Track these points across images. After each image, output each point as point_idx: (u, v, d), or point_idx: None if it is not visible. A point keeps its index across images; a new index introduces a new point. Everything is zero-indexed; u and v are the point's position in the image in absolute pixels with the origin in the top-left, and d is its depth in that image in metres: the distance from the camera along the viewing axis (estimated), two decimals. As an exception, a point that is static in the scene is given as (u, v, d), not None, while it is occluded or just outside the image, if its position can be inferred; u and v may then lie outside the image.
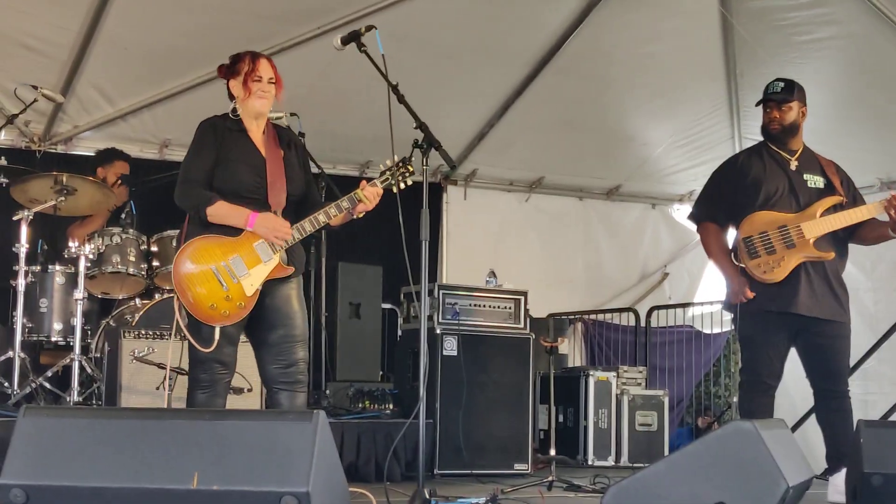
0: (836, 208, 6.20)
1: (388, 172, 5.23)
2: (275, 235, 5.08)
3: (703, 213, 6.50)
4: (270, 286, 5.19)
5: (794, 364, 6.38)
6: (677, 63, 9.37)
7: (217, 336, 5.03)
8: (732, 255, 6.24)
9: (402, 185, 5.24)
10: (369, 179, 5.29)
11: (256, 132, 5.31)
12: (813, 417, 6.59)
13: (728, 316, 9.41)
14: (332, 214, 5.17)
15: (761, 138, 6.51)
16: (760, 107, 6.44)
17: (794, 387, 7.31)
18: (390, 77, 5.19)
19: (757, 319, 6.16)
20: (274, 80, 5.28)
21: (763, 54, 8.90)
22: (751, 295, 6.09)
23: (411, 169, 5.23)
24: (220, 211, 5.11)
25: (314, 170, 5.91)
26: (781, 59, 8.75)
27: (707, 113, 10.04)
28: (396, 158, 5.22)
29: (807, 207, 6.18)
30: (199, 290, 5.06)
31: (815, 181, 6.30)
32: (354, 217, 5.27)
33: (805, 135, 6.49)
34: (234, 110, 5.30)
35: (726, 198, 6.37)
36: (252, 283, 5.09)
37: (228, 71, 5.33)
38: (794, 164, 6.32)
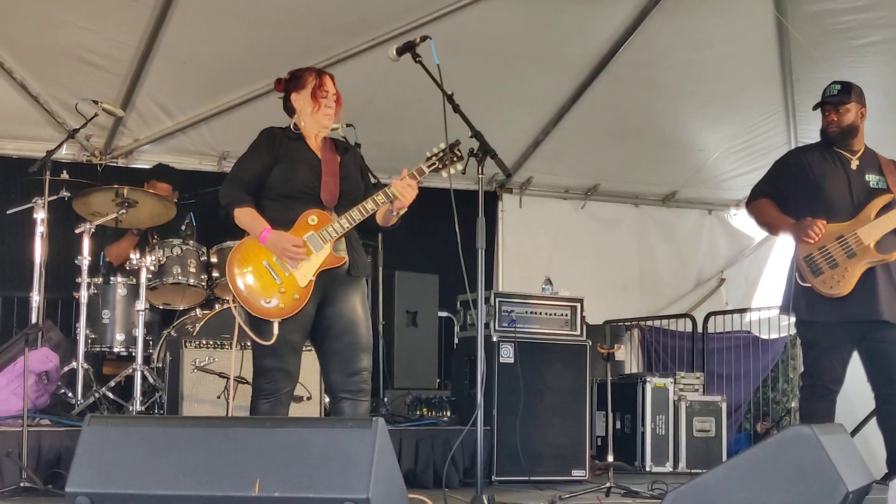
0: (889, 207, 6.16)
1: (434, 157, 5.24)
2: (285, 254, 5.12)
3: (757, 192, 6.50)
4: (335, 293, 5.25)
5: (853, 367, 6.35)
6: (733, 68, 9.34)
7: (276, 331, 5.09)
8: (797, 275, 6.19)
9: (452, 171, 5.23)
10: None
11: (314, 141, 5.39)
12: (873, 421, 6.55)
13: (785, 321, 9.37)
14: (379, 202, 5.19)
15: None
16: (819, 110, 6.42)
17: (854, 391, 7.26)
18: (445, 86, 5.22)
19: (821, 328, 6.14)
20: (336, 97, 5.38)
21: (819, 58, 8.86)
22: (819, 231, 6.07)
23: (459, 153, 5.22)
24: (244, 217, 5.22)
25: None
26: (837, 63, 8.71)
27: (763, 118, 10.01)
28: (443, 145, 5.23)
29: (861, 209, 6.15)
30: (253, 286, 5.13)
31: (876, 181, 6.28)
32: (394, 214, 5.29)
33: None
34: (294, 124, 5.39)
35: (785, 186, 6.35)
36: (305, 274, 5.14)
37: (290, 85, 5.42)
38: (854, 164, 6.30)
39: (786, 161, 6.53)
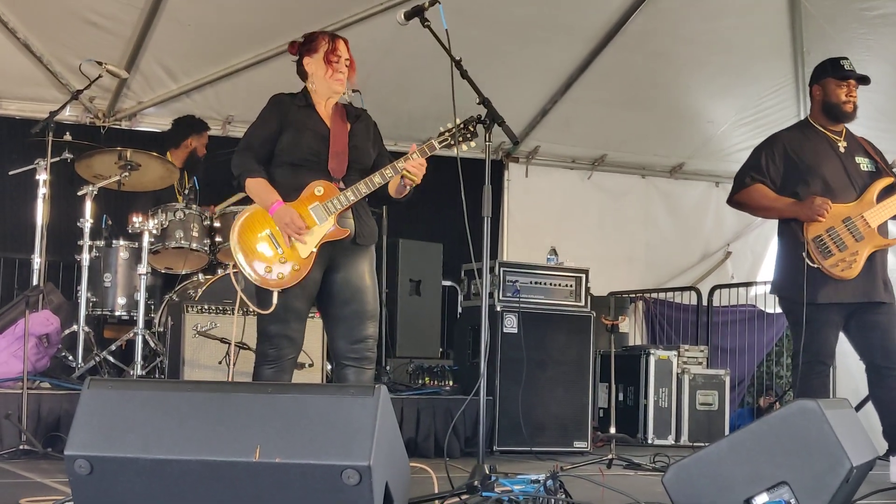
0: (887, 190, 6.11)
1: (447, 133, 5.15)
2: (288, 230, 5.08)
3: (748, 179, 6.31)
4: (342, 260, 5.21)
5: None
6: (743, 40, 9.29)
7: (276, 300, 5.06)
8: (805, 256, 6.11)
9: (465, 147, 5.17)
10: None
11: (324, 108, 5.33)
12: (876, 397, 6.51)
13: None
14: (387, 175, 5.14)
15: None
16: (822, 82, 6.30)
17: (857, 368, 7.23)
18: (454, 52, 5.16)
19: (819, 307, 6.09)
20: (349, 62, 5.32)
21: (830, 31, 8.79)
22: (828, 209, 5.98)
23: (474, 130, 5.14)
24: (255, 187, 5.17)
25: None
26: (849, 36, 8.65)
27: (773, 90, 9.96)
28: (459, 120, 5.14)
29: (862, 192, 6.10)
30: (254, 255, 5.11)
31: (867, 164, 6.21)
32: (406, 187, 5.24)
33: (870, 111, 6.38)
34: (305, 89, 5.34)
35: (775, 171, 6.25)
36: (307, 245, 5.10)
37: (303, 48, 5.36)
38: (842, 146, 6.22)
39: (772, 147, 6.35)
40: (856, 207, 6.07)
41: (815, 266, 6.05)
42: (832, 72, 6.25)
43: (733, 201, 6.46)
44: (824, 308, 6.07)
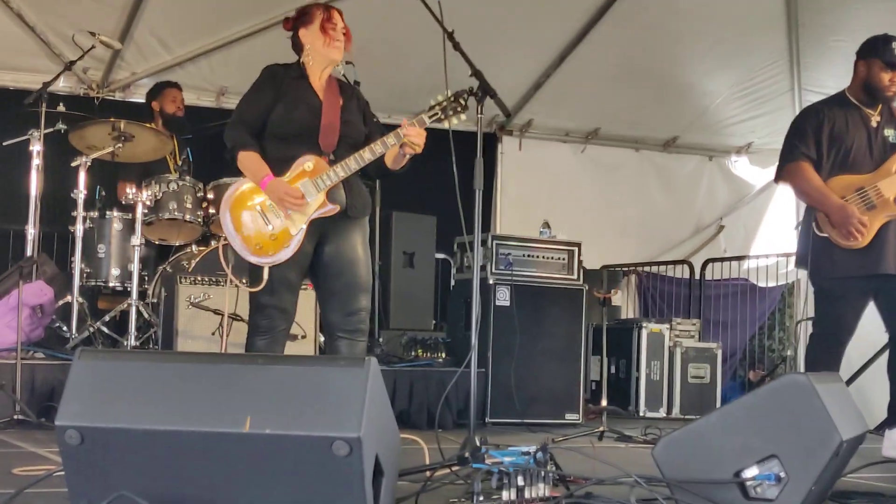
0: None
1: (437, 107, 5.13)
2: (283, 203, 5.06)
3: (798, 153, 6.12)
4: (335, 233, 5.20)
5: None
6: (738, 13, 9.25)
7: (266, 276, 5.06)
8: (814, 225, 6.06)
9: (455, 121, 5.13)
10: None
11: (318, 80, 5.31)
12: (868, 371, 6.52)
13: (783, 269, 9.30)
14: (377, 151, 5.10)
15: (822, 90, 6.36)
16: (869, 61, 6.20)
17: (850, 342, 7.24)
18: (447, 24, 5.15)
19: (837, 279, 6.04)
20: (345, 31, 5.30)
21: (825, 3, 8.76)
22: (863, 233, 5.92)
23: (464, 103, 5.10)
24: (248, 161, 5.14)
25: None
26: (843, 9, 8.62)
27: (767, 64, 9.93)
28: (450, 93, 5.12)
29: (881, 163, 6.05)
30: (245, 230, 5.10)
31: (893, 136, 6.15)
32: (404, 156, 5.22)
33: (868, 85, 6.33)
34: (300, 61, 5.31)
35: (817, 145, 6.18)
36: (297, 221, 5.09)
37: (297, 22, 5.33)
38: (875, 120, 6.16)
39: (817, 118, 6.22)
40: (871, 178, 6.01)
41: (823, 235, 6.01)
42: (881, 54, 6.08)
43: (781, 174, 6.32)
44: (842, 281, 6.01)
